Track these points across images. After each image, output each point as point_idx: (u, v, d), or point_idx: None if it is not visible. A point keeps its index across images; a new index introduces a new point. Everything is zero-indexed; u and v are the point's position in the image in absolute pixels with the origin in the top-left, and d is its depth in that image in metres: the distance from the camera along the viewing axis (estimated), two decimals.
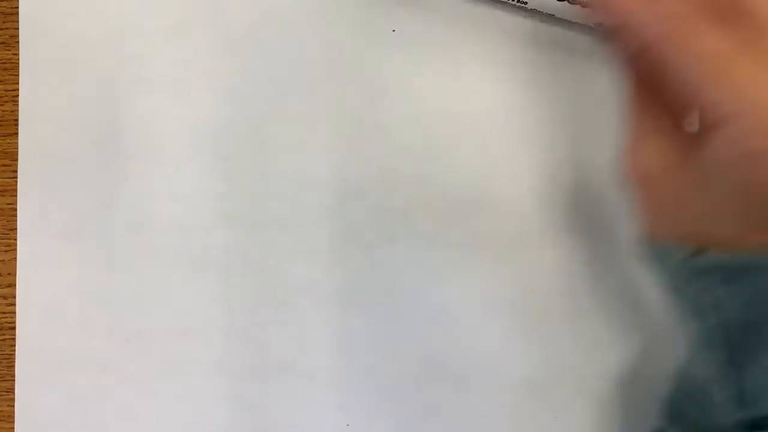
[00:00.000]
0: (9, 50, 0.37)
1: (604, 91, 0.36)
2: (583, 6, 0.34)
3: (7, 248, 0.37)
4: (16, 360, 0.37)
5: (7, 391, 0.37)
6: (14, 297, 0.37)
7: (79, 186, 0.37)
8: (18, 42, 0.37)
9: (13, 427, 0.37)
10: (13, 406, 0.37)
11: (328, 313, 0.37)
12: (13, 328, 0.37)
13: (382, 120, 0.37)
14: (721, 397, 0.27)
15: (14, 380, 0.37)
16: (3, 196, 0.37)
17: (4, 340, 0.37)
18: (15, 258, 0.37)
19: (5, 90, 0.37)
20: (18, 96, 0.37)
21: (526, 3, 0.35)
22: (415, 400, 0.37)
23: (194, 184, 0.37)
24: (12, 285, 0.37)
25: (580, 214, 0.37)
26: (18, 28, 0.37)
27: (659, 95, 0.27)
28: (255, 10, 0.37)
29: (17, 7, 0.37)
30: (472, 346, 0.37)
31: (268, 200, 0.37)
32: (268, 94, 0.37)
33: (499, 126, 0.37)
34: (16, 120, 0.37)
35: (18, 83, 0.37)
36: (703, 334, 0.28)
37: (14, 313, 0.37)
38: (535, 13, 0.36)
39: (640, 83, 0.29)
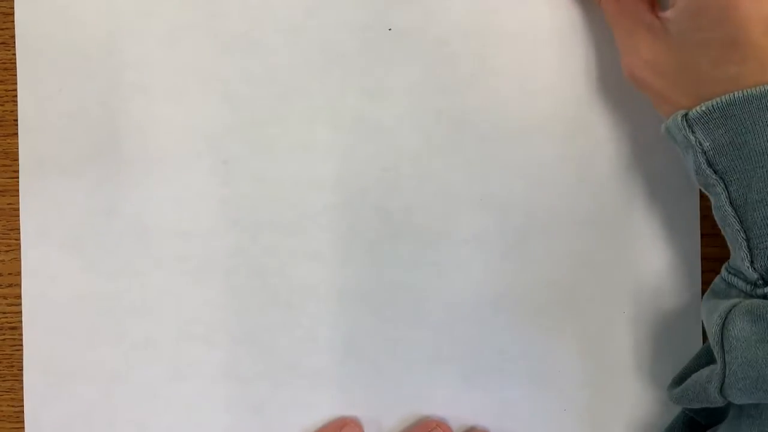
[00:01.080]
0: (9, 50, 0.37)
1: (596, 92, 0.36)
2: None
3: (8, 248, 0.37)
4: (24, 369, 0.37)
5: (7, 391, 0.37)
6: (15, 297, 0.37)
7: (81, 194, 0.37)
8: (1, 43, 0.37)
9: (14, 427, 0.37)
10: (14, 406, 0.37)
11: (333, 314, 0.37)
12: (14, 329, 0.37)
13: (381, 120, 0.37)
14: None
15: (14, 380, 0.37)
16: (3, 196, 0.37)
17: (4, 340, 0.37)
18: (15, 258, 0.37)
19: (5, 90, 0.37)
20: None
21: None
22: (423, 395, 0.37)
23: (195, 188, 0.37)
24: (12, 285, 0.37)
25: (582, 209, 0.37)
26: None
27: None
28: (249, 12, 0.37)
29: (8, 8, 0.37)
30: (478, 343, 0.37)
31: (269, 203, 0.37)
32: (266, 96, 0.37)
33: (498, 123, 0.37)
34: (17, 120, 0.37)
35: (17, 83, 0.37)
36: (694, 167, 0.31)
37: (15, 313, 0.37)
38: None
39: None
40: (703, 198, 0.36)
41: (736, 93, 0.29)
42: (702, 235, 0.37)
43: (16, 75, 0.37)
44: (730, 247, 0.32)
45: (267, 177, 0.37)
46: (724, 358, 0.29)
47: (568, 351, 0.37)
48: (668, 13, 0.31)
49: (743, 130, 0.29)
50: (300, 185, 0.37)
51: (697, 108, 0.30)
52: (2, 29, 0.37)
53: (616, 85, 0.36)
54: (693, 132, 0.30)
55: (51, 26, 0.37)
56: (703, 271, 0.37)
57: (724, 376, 0.29)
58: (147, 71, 0.37)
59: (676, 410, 0.35)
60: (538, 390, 0.37)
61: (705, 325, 0.31)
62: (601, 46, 0.36)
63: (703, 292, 0.37)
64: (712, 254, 0.37)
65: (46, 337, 0.37)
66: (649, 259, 0.37)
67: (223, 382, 0.37)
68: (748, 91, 0.29)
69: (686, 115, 0.31)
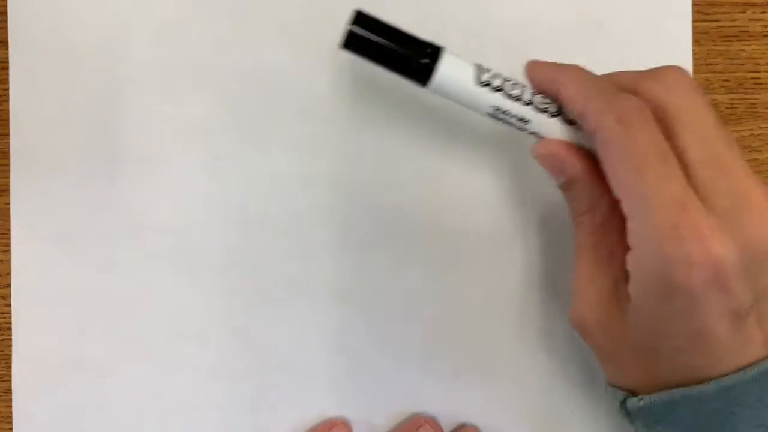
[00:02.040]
0: (7, 50, 0.37)
1: None
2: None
3: (6, 248, 0.37)
4: (13, 364, 0.37)
5: (6, 392, 0.37)
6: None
7: (72, 189, 0.37)
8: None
9: (12, 428, 0.37)
10: (11, 406, 0.37)
11: (325, 312, 0.37)
12: (10, 328, 0.37)
13: (375, 117, 0.37)
14: None
15: (11, 381, 0.37)
16: (1, 195, 0.37)
17: (2, 340, 0.37)
18: None
19: (4, 89, 0.37)
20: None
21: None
22: (415, 393, 0.37)
23: (187, 184, 0.37)
24: (9, 285, 0.37)
25: None
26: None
27: (605, 244, 0.29)
28: (244, 9, 0.37)
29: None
30: (471, 341, 0.37)
31: (262, 200, 0.37)
32: (259, 92, 0.37)
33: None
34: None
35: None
36: None
37: (11, 313, 0.37)
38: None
39: (591, 233, 0.30)
40: None
41: (675, 392, 0.27)
42: None
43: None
44: None
45: (259, 173, 0.37)
46: None
47: (560, 350, 0.37)
48: (630, 287, 0.27)
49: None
50: (292, 182, 0.37)
51: (638, 401, 0.28)
52: (0, 28, 0.37)
53: None
54: (632, 422, 0.29)
55: (43, 21, 0.37)
56: None
57: None
58: (139, 67, 0.37)
59: None
60: (530, 389, 0.37)
61: None
62: (592, 45, 0.37)
63: None
64: None
65: (36, 332, 0.37)
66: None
67: (213, 380, 0.37)
68: (695, 389, 0.27)
69: (624, 402, 0.29)
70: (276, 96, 0.37)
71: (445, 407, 0.37)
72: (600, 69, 0.31)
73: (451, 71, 0.30)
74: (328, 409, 0.37)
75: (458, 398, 0.37)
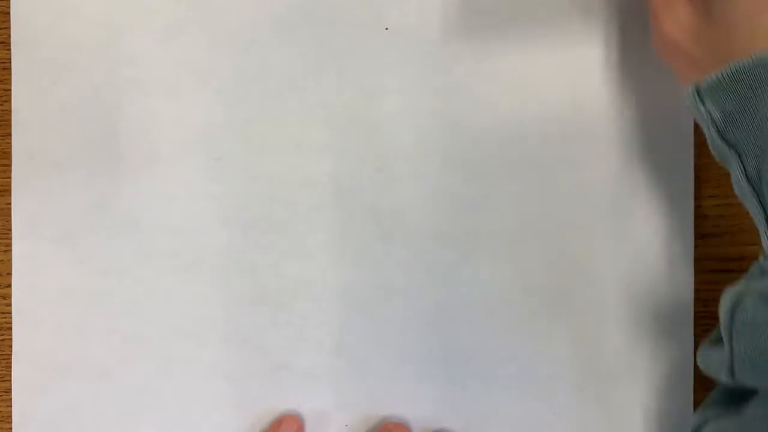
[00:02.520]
0: (8, 50, 0.37)
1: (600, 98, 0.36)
2: None
3: (6, 248, 0.37)
4: (13, 363, 0.37)
5: (6, 392, 0.37)
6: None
7: (73, 188, 0.37)
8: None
9: (11, 428, 0.37)
10: (11, 406, 0.37)
11: (323, 313, 0.37)
12: (10, 329, 0.37)
13: (376, 119, 0.37)
14: None
15: (11, 381, 0.37)
16: (2, 195, 0.37)
17: (3, 340, 0.37)
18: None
19: (4, 89, 0.37)
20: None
21: None
22: (413, 396, 0.36)
23: (188, 185, 0.37)
24: (11, 285, 0.37)
25: (576, 213, 0.36)
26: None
27: None
28: (247, 11, 0.37)
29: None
30: (469, 344, 0.37)
31: (262, 201, 0.37)
32: (261, 94, 0.37)
33: (493, 125, 0.37)
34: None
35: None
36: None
37: (11, 313, 0.37)
38: None
39: None
40: (697, 204, 0.37)
41: (743, 60, 0.29)
42: (698, 237, 0.37)
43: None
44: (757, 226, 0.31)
45: (260, 174, 0.37)
46: (732, 346, 0.28)
47: (559, 355, 0.37)
48: None
49: (753, 98, 0.28)
50: (293, 183, 0.37)
51: (707, 77, 0.30)
52: (1, 29, 0.37)
53: (613, 89, 0.36)
54: (704, 103, 0.30)
55: (46, 20, 0.37)
56: (696, 272, 0.37)
57: (732, 364, 0.28)
58: (141, 67, 0.37)
59: (669, 415, 0.36)
60: (528, 394, 0.37)
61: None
62: (597, 50, 0.37)
63: (696, 299, 0.36)
64: (705, 254, 0.37)
65: (36, 331, 0.37)
66: (643, 265, 0.36)
67: (212, 380, 0.37)
68: (757, 56, 0.28)
69: (698, 86, 0.30)
70: (278, 97, 0.37)
71: (443, 411, 0.37)
72: None
73: None
74: (326, 409, 0.37)
75: (457, 402, 0.37)
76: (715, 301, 0.36)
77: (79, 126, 0.37)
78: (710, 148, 0.31)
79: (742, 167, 0.29)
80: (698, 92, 0.30)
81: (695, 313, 0.36)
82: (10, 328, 0.37)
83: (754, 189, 0.29)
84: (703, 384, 0.36)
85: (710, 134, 0.30)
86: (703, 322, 0.37)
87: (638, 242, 0.36)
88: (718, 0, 0.30)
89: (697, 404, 0.36)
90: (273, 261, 0.37)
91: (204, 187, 0.37)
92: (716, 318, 0.36)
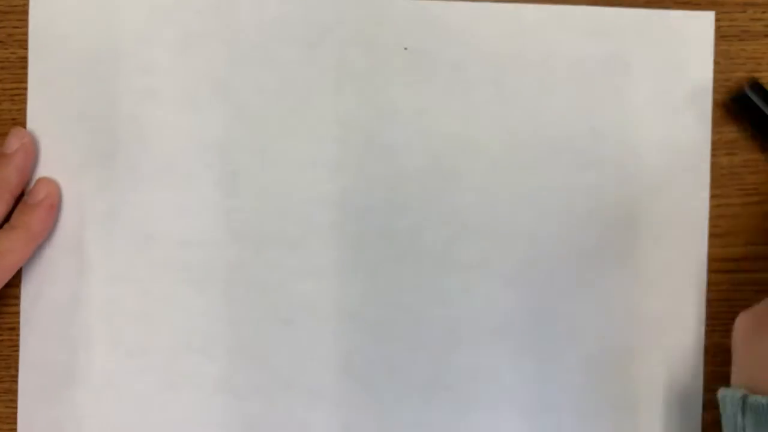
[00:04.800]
0: (6, 49, 0.37)
1: (620, 115, 0.36)
2: None
3: None
4: (20, 370, 0.37)
5: (5, 392, 0.37)
6: (14, 298, 0.37)
7: (85, 197, 0.37)
8: (15, 41, 0.37)
9: (10, 428, 0.37)
10: (10, 407, 0.37)
11: (332, 332, 0.36)
12: (12, 329, 0.37)
13: (390, 139, 0.36)
14: None
15: (12, 381, 0.37)
16: None
17: (2, 341, 0.37)
18: None
19: (3, 89, 0.37)
20: (17, 95, 0.37)
21: None
22: (419, 420, 0.36)
23: (200, 198, 0.37)
24: (11, 285, 0.37)
25: (588, 240, 0.36)
26: (16, 27, 0.37)
27: None
28: (265, 25, 0.37)
29: (14, 6, 0.37)
30: (477, 367, 0.36)
31: (275, 217, 0.36)
32: (276, 110, 0.37)
33: (509, 150, 0.36)
34: (14, 119, 0.37)
35: (16, 82, 0.37)
36: None
37: (13, 314, 0.37)
38: None
39: None
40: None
41: None
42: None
43: (13, 73, 0.37)
44: None
45: (273, 191, 0.37)
46: None
47: (569, 382, 0.36)
48: None
49: None
50: (306, 201, 0.37)
51: (760, 397, 0.29)
52: (1, 27, 0.37)
53: (628, 120, 0.36)
54: (743, 415, 0.29)
55: (64, 27, 0.37)
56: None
57: None
58: (157, 77, 0.37)
59: None
60: (537, 421, 0.36)
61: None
62: (615, 81, 0.36)
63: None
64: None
65: (43, 340, 0.37)
66: (654, 292, 0.36)
67: (217, 396, 0.36)
68: None
69: (746, 396, 0.29)
70: (295, 114, 0.37)
71: None
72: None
73: None
74: (332, 430, 0.36)
75: (464, 428, 0.36)
76: (715, 301, 0.36)
77: (94, 134, 0.37)
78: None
79: None
80: (744, 402, 0.29)
81: None
82: (10, 329, 0.37)
83: None
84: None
85: None
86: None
87: (649, 271, 0.36)
88: None
89: None
90: (282, 277, 0.36)
91: (217, 201, 0.37)
92: (716, 318, 0.36)
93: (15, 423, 0.37)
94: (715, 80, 0.37)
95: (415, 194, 0.37)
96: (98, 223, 0.37)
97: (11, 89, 0.37)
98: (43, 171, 0.37)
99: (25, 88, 0.37)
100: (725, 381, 0.32)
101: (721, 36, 0.37)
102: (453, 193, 0.37)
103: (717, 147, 0.37)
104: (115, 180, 0.37)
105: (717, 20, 0.37)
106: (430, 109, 0.37)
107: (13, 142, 0.36)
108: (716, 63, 0.37)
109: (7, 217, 0.36)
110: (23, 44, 0.37)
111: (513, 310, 0.36)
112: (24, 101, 0.37)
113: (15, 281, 0.37)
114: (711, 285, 0.37)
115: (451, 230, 0.36)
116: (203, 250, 0.37)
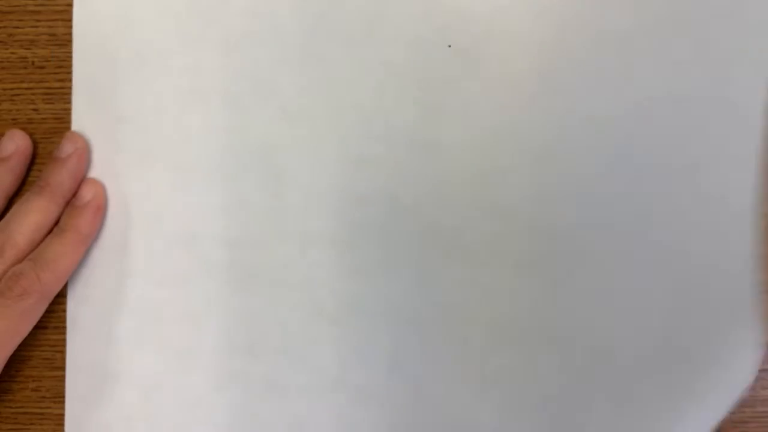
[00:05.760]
0: (7, 49, 0.37)
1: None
2: None
3: None
4: (67, 372, 0.37)
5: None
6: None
7: (130, 197, 0.37)
8: (16, 41, 0.37)
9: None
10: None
11: (378, 330, 0.36)
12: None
13: (436, 136, 0.36)
14: None
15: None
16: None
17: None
18: None
19: (3, 89, 0.37)
20: (17, 95, 0.37)
21: None
22: (467, 418, 0.36)
23: (244, 197, 0.37)
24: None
25: (637, 240, 0.36)
26: (17, 27, 0.38)
27: None
28: (310, 25, 0.36)
29: (15, 6, 0.37)
30: (522, 371, 0.36)
31: (320, 216, 0.36)
32: (322, 109, 0.36)
33: (559, 144, 0.36)
34: (14, 119, 0.37)
35: (17, 82, 0.37)
36: None
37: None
38: None
39: None
40: None
41: None
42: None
43: (13, 73, 0.38)
44: None
45: (319, 190, 0.36)
46: None
47: (616, 383, 0.36)
48: None
49: None
50: (351, 199, 0.36)
51: None
52: (0, 28, 0.37)
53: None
54: None
55: (109, 27, 0.37)
56: None
57: None
58: (203, 78, 0.37)
59: None
60: (580, 422, 0.36)
61: None
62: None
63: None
64: None
65: (90, 340, 0.37)
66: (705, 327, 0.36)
67: (264, 394, 0.36)
68: None
69: None
70: (340, 113, 0.36)
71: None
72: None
73: None
74: (377, 428, 0.36)
75: (514, 424, 0.36)
76: None
77: (139, 134, 0.37)
78: None
79: None
80: None
81: None
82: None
83: None
84: None
85: None
86: None
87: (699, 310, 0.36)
88: None
89: None
90: (328, 276, 0.36)
91: (262, 201, 0.36)
92: None
93: (62, 424, 0.37)
94: None
95: (460, 191, 0.36)
96: (143, 225, 0.37)
97: (12, 89, 0.37)
98: (88, 171, 0.37)
99: (26, 89, 0.37)
100: None
101: None
102: (499, 190, 0.36)
103: None
104: (160, 181, 0.37)
105: None
106: (476, 105, 0.36)
107: (68, 147, 0.36)
108: None
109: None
110: (24, 44, 0.37)
111: (560, 312, 0.36)
112: (24, 101, 0.37)
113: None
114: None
115: (497, 228, 0.36)
116: (249, 250, 0.36)
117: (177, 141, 0.37)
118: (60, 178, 0.36)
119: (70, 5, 0.37)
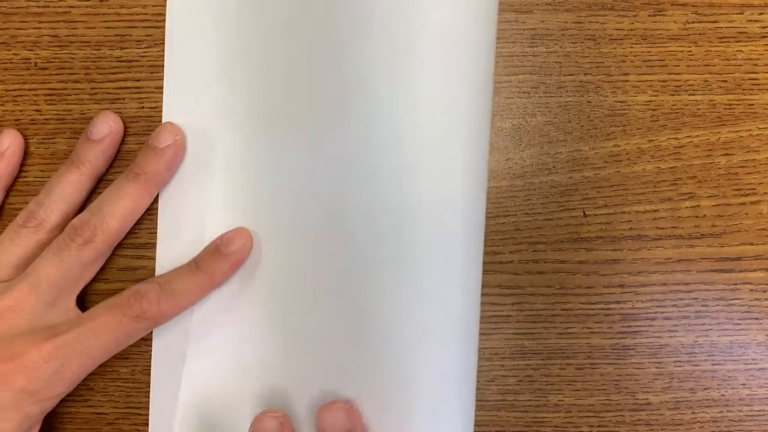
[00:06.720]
0: (9, 50, 0.37)
1: None
2: None
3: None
4: (152, 362, 0.37)
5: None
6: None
7: (215, 197, 0.37)
8: (18, 42, 0.37)
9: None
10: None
11: (431, 326, 0.36)
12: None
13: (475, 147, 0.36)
14: None
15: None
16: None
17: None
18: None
19: (6, 90, 0.37)
20: (20, 96, 0.37)
21: None
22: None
23: (306, 186, 0.36)
24: None
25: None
26: (20, 29, 0.37)
27: None
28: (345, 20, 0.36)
29: (17, 8, 0.37)
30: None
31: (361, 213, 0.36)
32: (353, 102, 0.36)
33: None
34: (17, 120, 0.37)
35: (19, 83, 0.37)
36: None
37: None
38: None
39: None
40: (696, 204, 0.37)
41: None
42: (696, 237, 0.37)
43: (16, 74, 0.37)
44: None
45: (360, 188, 0.36)
46: None
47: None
48: None
49: None
50: (394, 197, 0.36)
51: None
52: (2, 29, 0.37)
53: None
54: None
55: (202, 24, 0.37)
56: (694, 272, 0.37)
57: None
58: (294, 77, 0.36)
59: None
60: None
61: None
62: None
63: (694, 299, 0.37)
64: (703, 254, 0.37)
65: (171, 329, 0.36)
66: None
67: (341, 383, 0.36)
68: None
69: None
70: (380, 102, 0.36)
71: None
72: None
73: None
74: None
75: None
76: (714, 300, 0.37)
77: (229, 132, 0.37)
78: None
79: None
80: None
81: (693, 313, 0.37)
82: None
83: None
84: None
85: None
86: (701, 323, 0.37)
87: None
88: None
89: None
90: (393, 302, 0.35)
91: (321, 197, 0.36)
92: (713, 318, 0.36)
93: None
94: (713, 81, 0.37)
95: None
96: (226, 227, 0.37)
97: (14, 90, 0.37)
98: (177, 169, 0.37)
99: (29, 90, 0.37)
100: None
101: (719, 37, 0.37)
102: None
103: (714, 147, 0.37)
104: (245, 184, 0.37)
105: (714, 21, 0.37)
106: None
107: (167, 137, 0.36)
108: (713, 64, 0.37)
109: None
110: (26, 45, 0.37)
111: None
112: (27, 102, 0.37)
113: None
114: (708, 284, 0.37)
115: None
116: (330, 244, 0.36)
117: (262, 144, 0.37)
118: (157, 167, 0.35)
119: (72, 7, 0.38)
